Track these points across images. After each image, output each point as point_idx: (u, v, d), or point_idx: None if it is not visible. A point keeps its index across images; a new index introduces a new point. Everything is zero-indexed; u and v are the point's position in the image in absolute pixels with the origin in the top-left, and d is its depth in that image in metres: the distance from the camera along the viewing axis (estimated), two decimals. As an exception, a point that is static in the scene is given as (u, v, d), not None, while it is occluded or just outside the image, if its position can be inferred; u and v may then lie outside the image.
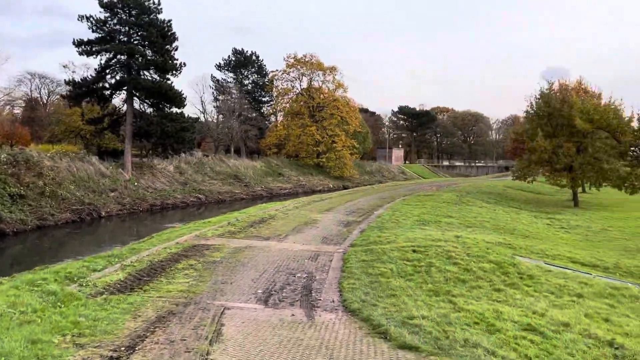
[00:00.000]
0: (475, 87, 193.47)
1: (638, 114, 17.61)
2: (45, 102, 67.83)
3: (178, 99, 38.26)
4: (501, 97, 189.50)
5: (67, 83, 37.37)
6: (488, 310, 7.85)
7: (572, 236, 21.12)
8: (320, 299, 9.26)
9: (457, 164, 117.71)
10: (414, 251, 12.76)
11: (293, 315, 8.24)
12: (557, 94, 35.37)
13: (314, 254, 13.43)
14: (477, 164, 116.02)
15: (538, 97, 35.95)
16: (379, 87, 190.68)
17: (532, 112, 37.38)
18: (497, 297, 9.03)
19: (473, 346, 6.09)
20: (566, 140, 34.11)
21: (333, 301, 9.18)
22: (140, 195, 35.99)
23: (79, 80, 36.93)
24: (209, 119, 73.04)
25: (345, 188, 57.20)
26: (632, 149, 17.30)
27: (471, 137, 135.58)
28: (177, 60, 39.47)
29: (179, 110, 39.75)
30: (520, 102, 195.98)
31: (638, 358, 5.79)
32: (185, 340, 6.75)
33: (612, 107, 17.51)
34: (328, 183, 64.02)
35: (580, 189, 40.18)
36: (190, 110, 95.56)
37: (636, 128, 17.44)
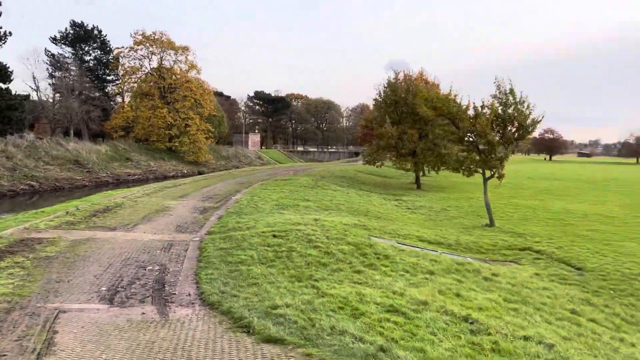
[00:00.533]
0: (327, 76, 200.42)
1: (474, 103, 19.18)
2: None
3: (3, 73, 33.28)
4: (351, 87, 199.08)
5: None
6: (351, 294, 7.78)
7: (417, 216, 22.64)
8: (174, 293, 8.45)
9: (311, 149, 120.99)
10: (275, 236, 12.43)
11: (143, 313, 7.35)
12: (403, 84, 37.73)
13: (167, 244, 12.40)
14: (330, 150, 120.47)
15: (385, 85, 37.99)
16: (234, 71, 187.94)
17: (380, 100, 39.47)
18: (358, 279, 9.05)
19: (340, 333, 5.88)
20: (410, 127, 36.64)
21: (189, 294, 8.44)
22: (-45, 183, 30.76)
23: None
24: (44, 98, 65.19)
25: (200, 174, 55.26)
26: (468, 135, 18.89)
27: (324, 124, 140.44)
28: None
29: (3, 86, 34.55)
30: (368, 92, 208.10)
31: (491, 331, 6.08)
32: (4, 356, 5.55)
33: (452, 96, 18.97)
34: (182, 168, 61.35)
35: (421, 173, 43.68)
36: (20, 87, 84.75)
37: (472, 115, 19.03)
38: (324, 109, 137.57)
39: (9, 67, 33.57)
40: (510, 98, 18.71)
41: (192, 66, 67.67)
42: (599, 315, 8.58)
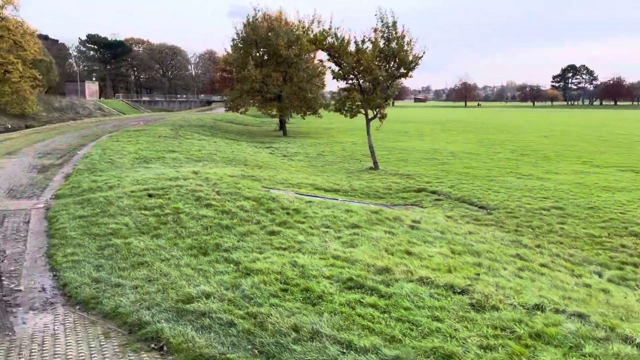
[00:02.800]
0: (167, 21, 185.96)
1: (355, 37, 17.67)
2: None
3: None
4: (196, 33, 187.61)
5: None
6: (285, 266, 5.81)
7: (297, 163, 21.03)
8: (19, 290, 5.70)
9: (158, 99, 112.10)
10: (151, 195, 9.79)
11: (-30, 333, 4.61)
12: (264, 23, 35.05)
13: (-3, 216, 9.09)
14: (179, 99, 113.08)
15: (245, 24, 35.00)
16: (58, 12, 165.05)
17: (239, 40, 36.43)
18: (279, 243, 7.07)
19: (311, 338, 3.93)
20: (274, 70, 34.48)
21: (44, 289, 5.76)
22: None
23: None
24: None
25: (29, 128, 47.31)
26: (352, 72, 17.45)
27: (170, 71, 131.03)
28: None
29: None
30: (213, 39, 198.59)
31: (497, 305, 4.59)
32: None
33: (332, 30, 17.29)
34: (5, 123, 51.93)
35: (286, 119, 42.04)
36: None
37: (354, 50, 17.56)
38: (169, 55, 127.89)
39: None
40: (393, 32, 17.55)
41: (8, 1, 56.55)
42: (545, 259, 7.79)
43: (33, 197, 10.94)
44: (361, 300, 4.69)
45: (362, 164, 20.98)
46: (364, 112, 18.77)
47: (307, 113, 36.23)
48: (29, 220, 8.82)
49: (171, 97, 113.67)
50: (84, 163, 15.59)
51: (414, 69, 18.13)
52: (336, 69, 18.70)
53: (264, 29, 34.41)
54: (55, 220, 8.55)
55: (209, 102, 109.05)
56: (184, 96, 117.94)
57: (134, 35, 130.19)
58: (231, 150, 22.18)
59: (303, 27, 17.78)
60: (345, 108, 18.79)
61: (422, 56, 18.09)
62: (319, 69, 36.06)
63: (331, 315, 4.31)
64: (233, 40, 37.62)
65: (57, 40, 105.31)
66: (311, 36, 17.93)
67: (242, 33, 35.93)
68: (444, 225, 9.74)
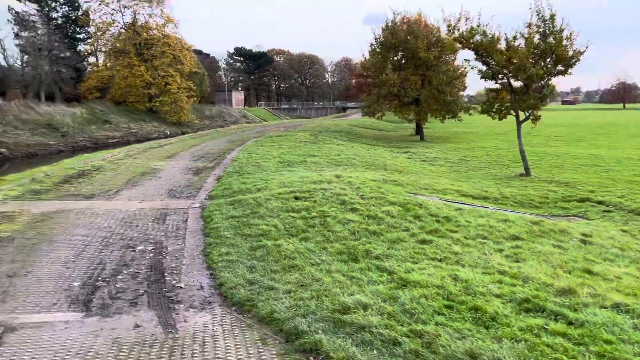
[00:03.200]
0: (307, 32, 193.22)
1: (505, 34, 16.37)
2: None
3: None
4: (332, 42, 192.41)
5: None
6: (445, 279, 5.26)
7: (437, 168, 20.14)
8: (180, 287, 5.87)
9: (296, 106, 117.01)
10: (297, 198, 9.82)
11: (138, 326, 4.76)
12: (403, 26, 34.52)
13: (160, 214, 9.73)
14: (316, 106, 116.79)
15: (384, 28, 34.74)
16: (211, 28, 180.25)
17: (376, 45, 36.26)
18: (433, 253, 6.52)
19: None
20: (412, 73, 33.74)
21: (202, 287, 5.87)
22: None
23: None
24: (12, 62, 60.40)
25: (184, 134, 52.02)
26: (503, 71, 16.19)
27: (308, 80, 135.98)
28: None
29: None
30: (349, 47, 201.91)
31: None
32: None
33: (480, 27, 16.17)
34: (164, 130, 57.82)
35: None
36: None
37: (505, 48, 16.28)
38: (307, 64, 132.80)
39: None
40: (550, 26, 15.94)
41: (169, 20, 62.92)
42: None
43: (190, 197, 11.62)
44: (545, 326, 3.98)
45: (510, 169, 19.45)
46: (514, 113, 17.31)
47: (447, 117, 34.89)
48: (187, 219, 9.30)
49: (308, 105, 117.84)
50: (232, 166, 16.40)
51: (574, 65, 16.30)
52: (483, 68, 17.51)
53: (403, 32, 33.88)
54: (210, 219, 8.89)
55: (344, 109, 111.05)
56: (320, 103, 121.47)
57: (276, 46, 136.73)
58: (369, 155, 21.97)
59: (449, 26, 16.81)
60: (494, 109, 17.49)
61: (584, 51, 16.18)
62: (460, 71, 34.54)
63: (512, 343, 3.69)
64: (371, 45, 37.61)
65: (208, 54, 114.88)
66: (457, 34, 16.91)
67: (380, 37, 35.76)
68: (622, 240, 8.37)
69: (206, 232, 8.23)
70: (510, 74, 16.29)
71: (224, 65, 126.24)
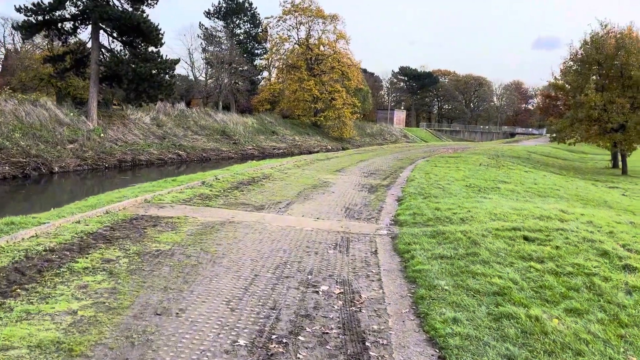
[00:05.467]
0: (473, 53, 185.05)
1: None
2: (16, 47, 60.27)
3: (154, 34, 31.69)
4: (499, 64, 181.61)
5: (18, 10, 30.62)
6: None
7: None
8: (394, 374, 3.59)
9: (459, 128, 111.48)
10: (527, 239, 7.09)
11: None
12: (612, 40, 29.29)
13: (341, 239, 7.73)
14: (481, 130, 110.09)
15: (588, 41, 29.84)
16: (376, 48, 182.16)
17: (574, 62, 31.41)
18: None
19: None
20: (618, 95, 28.35)
21: (430, 382, 3.53)
22: (107, 148, 29.85)
23: (31, 5, 30.17)
24: (198, 75, 66.17)
25: (345, 149, 51.45)
26: None
27: (473, 102, 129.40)
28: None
29: (155, 49, 33.15)
30: (517, 71, 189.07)
31: None
32: None
33: None
34: (326, 144, 58.07)
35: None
36: (179, 68, 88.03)
37: None
38: (474, 86, 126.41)
39: (160, 29, 31.83)
40: None
41: (341, 36, 63.54)
42: None
43: (371, 219, 9.52)
44: None
45: None
46: None
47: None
48: (376, 250, 7.15)
49: (473, 128, 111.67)
50: (412, 186, 14.06)
51: None
52: None
53: (611, 46, 28.70)
54: (410, 256, 6.60)
55: (512, 134, 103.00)
56: (486, 127, 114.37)
57: (441, 67, 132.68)
58: (574, 187, 18.03)
59: None
60: None
61: None
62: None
63: None
64: (564, 62, 32.85)
65: (372, 73, 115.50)
66: None
67: (578, 53, 30.92)
68: None
69: (409, 275, 5.95)
70: None
71: (386, 85, 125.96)
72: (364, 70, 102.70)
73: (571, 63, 32.04)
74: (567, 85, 31.32)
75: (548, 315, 4.56)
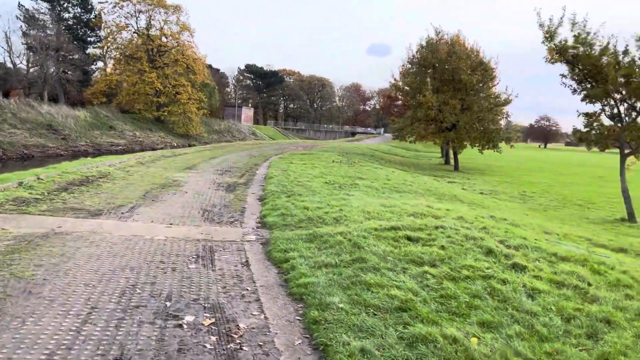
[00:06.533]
0: (315, 54, 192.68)
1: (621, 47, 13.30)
2: None
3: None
4: (339, 66, 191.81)
5: None
6: None
7: (509, 203, 16.89)
8: None
9: (305, 127, 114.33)
10: (410, 239, 6.55)
11: None
12: (445, 45, 31.67)
13: (202, 248, 6.44)
14: (325, 129, 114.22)
15: (424, 45, 31.90)
16: (220, 44, 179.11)
17: (411, 65, 33.46)
18: None
19: None
20: (451, 97, 30.79)
21: None
22: None
23: None
24: (17, 62, 57.50)
25: (191, 146, 48.88)
26: (617, 93, 13.13)
27: (317, 102, 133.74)
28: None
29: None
30: (356, 74, 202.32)
31: None
32: None
33: (588, 36, 13.21)
34: (171, 141, 54.71)
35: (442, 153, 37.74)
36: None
37: (623, 63, 13.21)
38: (317, 86, 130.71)
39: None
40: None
41: (185, 27, 60.35)
42: None
43: (235, 222, 8.33)
44: None
45: (591, 212, 16.29)
46: (618, 144, 14.17)
47: (486, 147, 31.83)
48: (247, 261, 6.01)
49: (317, 127, 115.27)
50: (273, 184, 13.13)
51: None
52: (575, 86, 14.43)
53: (444, 51, 31.01)
54: (290, 267, 5.59)
55: (353, 134, 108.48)
56: (330, 126, 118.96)
57: (286, 67, 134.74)
58: (422, 182, 18.73)
59: (548, 32, 13.74)
60: (592, 139, 14.35)
61: None
62: (504, 98, 31.60)
63: None
64: (403, 65, 34.86)
65: (218, 69, 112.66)
66: (553, 44, 13.83)
67: (415, 56, 32.97)
68: None
69: (292, 291, 4.93)
70: (625, 96, 13.20)
71: (233, 82, 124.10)
72: (210, 66, 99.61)
73: (409, 66, 34.06)
74: (406, 87, 33.16)
75: (464, 332, 3.90)
